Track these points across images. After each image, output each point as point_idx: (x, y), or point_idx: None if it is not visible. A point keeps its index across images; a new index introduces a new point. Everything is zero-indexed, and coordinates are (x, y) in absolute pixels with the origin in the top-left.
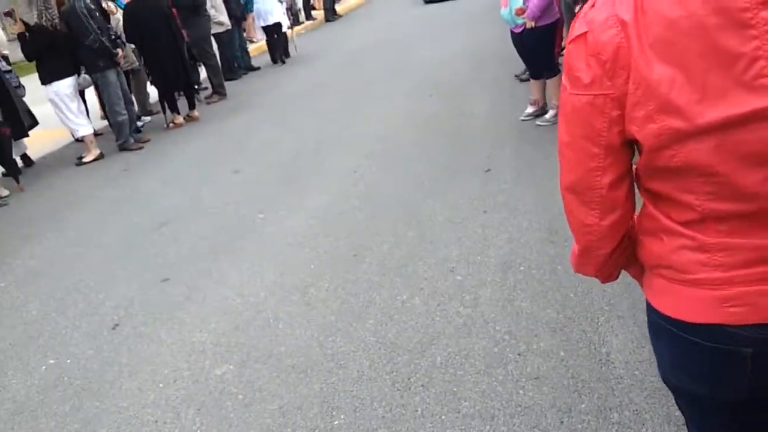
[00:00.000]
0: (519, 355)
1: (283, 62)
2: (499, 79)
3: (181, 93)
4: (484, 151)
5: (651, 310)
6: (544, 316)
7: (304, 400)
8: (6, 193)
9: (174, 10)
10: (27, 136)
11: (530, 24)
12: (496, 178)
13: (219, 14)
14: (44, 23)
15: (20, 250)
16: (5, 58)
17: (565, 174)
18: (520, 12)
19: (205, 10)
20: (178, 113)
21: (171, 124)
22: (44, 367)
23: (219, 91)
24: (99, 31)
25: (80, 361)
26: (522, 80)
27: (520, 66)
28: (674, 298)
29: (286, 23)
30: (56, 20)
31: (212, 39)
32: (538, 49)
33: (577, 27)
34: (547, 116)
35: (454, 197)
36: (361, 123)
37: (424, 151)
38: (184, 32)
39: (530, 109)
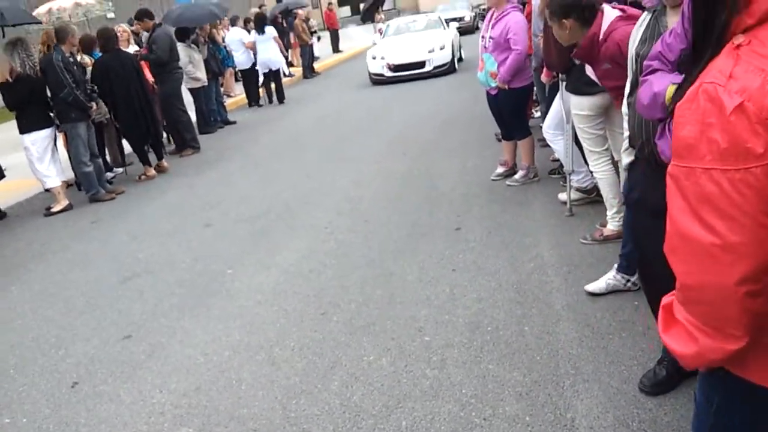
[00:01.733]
0: (484, 419)
1: (281, 102)
2: (470, 140)
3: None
4: (453, 211)
5: (757, 391)
6: (510, 378)
7: None
8: None
9: (145, 64)
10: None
11: (502, 86)
12: (465, 237)
13: (196, 70)
14: (27, 71)
15: None
16: None
17: (735, 267)
18: (494, 75)
19: (177, 67)
20: (150, 165)
21: (143, 176)
22: None
23: (192, 145)
24: (75, 84)
25: (36, 421)
26: (498, 140)
27: (494, 126)
28: None
29: (285, 70)
30: (38, 68)
31: (188, 93)
32: (511, 111)
33: (725, 100)
34: (516, 176)
35: (424, 256)
36: (334, 180)
37: (395, 209)
38: (154, 87)
39: (500, 170)
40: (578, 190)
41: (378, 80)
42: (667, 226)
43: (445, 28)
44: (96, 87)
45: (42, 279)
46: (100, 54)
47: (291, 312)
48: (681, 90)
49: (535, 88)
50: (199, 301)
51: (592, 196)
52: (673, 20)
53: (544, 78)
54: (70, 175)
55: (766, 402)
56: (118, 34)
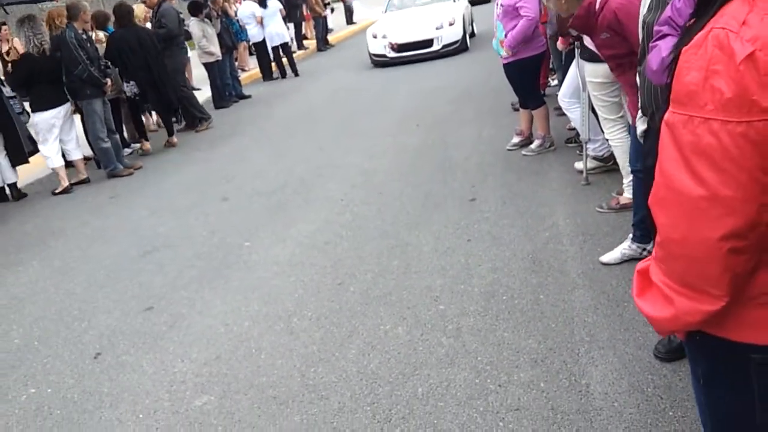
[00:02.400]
0: (500, 386)
1: (296, 75)
2: (484, 110)
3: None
4: (468, 181)
5: (739, 350)
6: (525, 346)
7: None
8: None
9: None
10: (27, 162)
11: (507, 52)
12: (480, 208)
13: (209, 44)
14: (31, 50)
15: (4, 278)
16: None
17: (722, 221)
18: (503, 43)
19: (182, 42)
20: (146, 139)
21: (167, 143)
22: (24, 397)
23: (203, 118)
24: (89, 61)
25: (61, 391)
26: (515, 109)
27: (511, 95)
28: None
29: (291, 44)
30: (45, 46)
31: (203, 67)
32: (522, 80)
33: (736, 48)
34: (532, 146)
35: (439, 227)
36: (349, 153)
37: (410, 181)
38: None
39: (516, 139)
40: (594, 158)
41: (379, 62)
42: (656, 177)
43: (454, 1)
44: (110, 63)
45: (62, 254)
46: (114, 30)
47: (308, 282)
48: (688, 35)
49: (551, 57)
50: (217, 273)
51: (608, 165)
52: None
53: (560, 45)
54: (88, 151)
55: (747, 364)
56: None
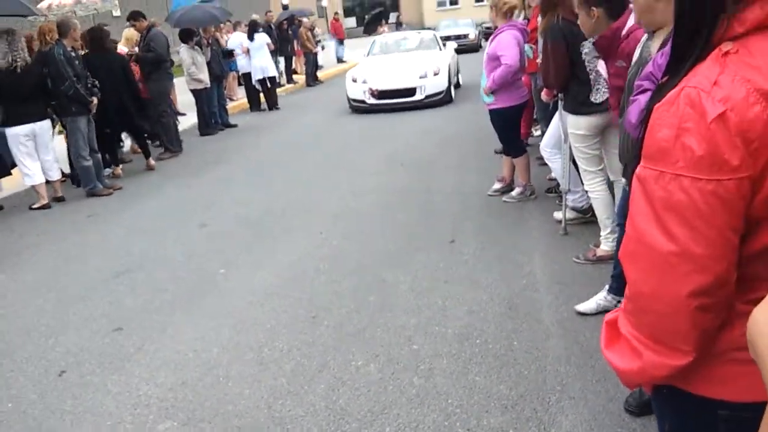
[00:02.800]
0: (468, 430)
1: (278, 108)
2: (469, 155)
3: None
4: (449, 224)
5: (707, 406)
6: (497, 391)
7: None
8: None
9: (136, 66)
10: (9, 174)
11: (487, 93)
12: (459, 250)
13: (199, 72)
14: (1, 66)
15: None
16: None
17: (691, 278)
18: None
19: (168, 67)
20: (116, 164)
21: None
22: None
23: (170, 148)
24: (76, 78)
25: (22, 406)
26: (497, 152)
27: (497, 142)
28: (750, 379)
29: (277, 77)
30: (19, 63)
31: (191, 94)
32: (501, 129)
33: (707, 107)
34: (513, 193)
35: (417, 266)
36: (332, 187)
37: (391, 219)
38: (141, 86)
39: (497, 185)
40: (574, 209)
41: (358, 107)
42: (627, 230)
43: (441, 49)
44: (96, 82)
45: (35, 269)
46: (86, 52)
47: (282, 314)
48: (661, 92)
49: (535, 107)
50: (190, 299)
51: (587, 216)
52: (657, 45)
53: (544, 97)
54: (65, 169)
55: (714, 420)
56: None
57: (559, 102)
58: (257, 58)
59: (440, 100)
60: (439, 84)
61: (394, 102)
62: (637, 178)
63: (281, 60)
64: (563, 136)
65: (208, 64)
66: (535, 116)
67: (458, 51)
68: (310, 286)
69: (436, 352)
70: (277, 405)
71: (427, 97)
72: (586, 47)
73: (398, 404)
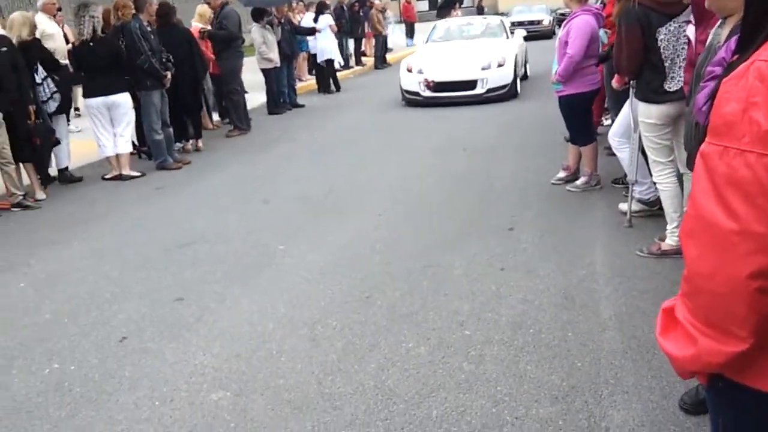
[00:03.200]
0: (516, 418)
1: (338, 90)
2: (532, 142)
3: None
4: (508, 211)
5: (763, 400)
6: (547, 381)
7: None
8: (42, 197)
9: (206, 42)
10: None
11: (554, 79)
12: (517, 238)
13: (269, 51)
14: (86, 35)
15: (44, 254)
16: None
17: (752, 258)
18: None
19: (239, 46)
20: (186, 140)
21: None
22: (48, 371)
23: (239, 126)
24: (151, 52)
25: (83, 369)
26: (567, 140)
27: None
28: None
29: (339, 61)
30: (87, 36)
31: (260, 73)
32: (573, 116)
33: None
34: (578, 183)
35: (473, 252)
36: (393, 170)
37: (450, 203)
38: (212, 64)
39: (562, 174)
40: (640, 201)
41: (412, 100)
42: (688, 209)
43: (508, 37)
44: (171, 56)
45: (102, 237)
46: (155, 27)
47: (336, 292)
48: (730, 67)
49: (606, 95)
50: (249, 273)
51: (653, 209)
52: (727, 31)
53: (615, 84)
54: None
55: None
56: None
57: (631, 90)
58: (320, 39)
59: (504, 95)
60: (503, 76)
61: (452, 95)
62: (700, 155)
63: (351, 42)
64: (633, 125)
65: (279, 43)
66: (606, 105)
67: (530, 38)
68: (365, 266)
69: (488, 338)
70: (327, 381)
71: (489, 91)
72: (676, 22)
73: (446, 388)
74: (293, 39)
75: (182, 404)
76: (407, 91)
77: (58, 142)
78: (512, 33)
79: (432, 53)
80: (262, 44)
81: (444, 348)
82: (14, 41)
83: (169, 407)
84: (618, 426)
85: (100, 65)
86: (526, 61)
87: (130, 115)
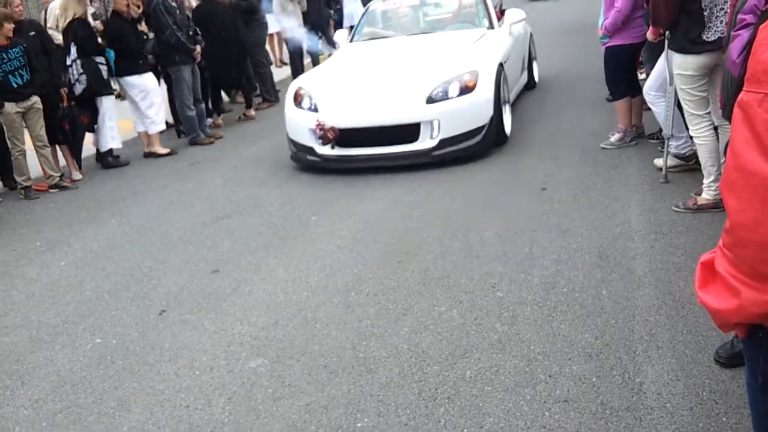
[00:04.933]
0: (550, 376)
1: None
2: (567, 100)
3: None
4: (541, 170)
5: None
6: (581, 339)
7: (330, 400)
8: (79, 177)
9: None
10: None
11: (600, 32)
12: (550, 198)
13: (286, 21)
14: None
15: (83, 233)
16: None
17: None
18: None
19: (263, 17)
20: (218, 114)
21: (212, 124)
22: (90, 345)
23: (267, 98)
24: (176, 27)
25: (125, 343)
26: (609, 100)
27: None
28: None
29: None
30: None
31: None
32: (616, 67)
33: None
34: (612, 139)
35: (506, 213)
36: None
37: (482, 165)
38: None
39: (616, 136)
40: (676, 156)
41: (303, 159)
42: (727, 160)
43: (492, 26)
44: (198, 29)
45: (140, 214)
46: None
47: (369, 259)
48: (766, 14)
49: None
50: (283, 243)
51: (690, 164)
52: None
53: (649, 36)
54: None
55: None
56: None
57: (666, 42)
58: (348, 3)
59: (476, 147)
60: (473, 112)
61: (370, 154)
62: (738, 105)
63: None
64: (668, 78)
65: (305, 14)
66: (641, 58)
67: None
68: (397, 231)
69: (521, 299)
70: (362, 346)
71: (444, 143)
72: None
73: (479, 349)
74: (322, 9)
75: (221, 372)
76: (296, 144)
77: (90, 126)
78: (502, 18)
79: (343, 67)
80: (280, 13)
81: (476, 310)
82: (63, 20)
83: (208, 376)
84: (652, 381)
85: (120, 46)
86: (530, 60)
87: (150, 97)
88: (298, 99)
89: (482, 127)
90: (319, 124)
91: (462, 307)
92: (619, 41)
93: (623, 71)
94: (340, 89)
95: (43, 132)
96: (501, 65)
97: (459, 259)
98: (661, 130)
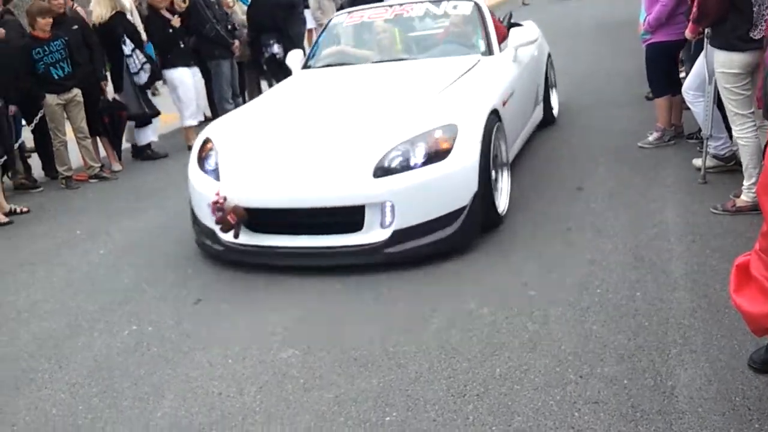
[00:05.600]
0: (581, 377)
1: None
2: (608, 99)
3: None
4: (578, 169)
5: None
6: (613, 341)
7: (360, 392)
8: (118, 168)
9: None
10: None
11: (642, 28)
12: (586, 197)
13: (323, 17)
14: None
15: (122, 222)
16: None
17: None
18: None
19: (302, 12)
20: None
21: None
22: (127, 332)
23: None
24: (215, 21)
25: (160, 330)
26: (648, 98)
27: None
28: None
29: None
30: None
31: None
32: (657, 64)
33: None
34: (650, 138)
35: (540, 212)
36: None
37: (518, 161)
38: None
39: (654, 135)
40: (715, 156)
41: (204, 246)
42: (766, 162)
43: (492, 51)
44: (236, 24)
45: (177, 205)
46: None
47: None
48: None
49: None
50: None
51: (729, 165)
52: None
53: (688, 33)
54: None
55: None
56: None
57: (705, 39)
58: None
59: (444, 242)
60: (444, 190)
61: (293, 247)
62: None
63: None
64: (707, 77)
65: (340, 8)
66: (681, 56)
67: None
68: None
69: (553, 299)
70: (391, 340)
71: (398, 237)
72: None
73: (510, 347)
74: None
75: (253, 362)
76: (198, 223)
77: (132, 119)
78: (506, 38)
79: (266, 113)
80: (317, 10)
81: (507, 308)
82: (102, 16)
83: (241, 365)
84: (684, 385)
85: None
86: (548, 89)
87: (181, 90)
88: (203, 155)
89: (460, 210)
90: (216, 202)
91: (492, 305)
92: (660, 38)
93: (664, 69)
94: (253, 148)
95: (84, 124)
96: (495, 113)
97: (490, 256)
98: (700, 130)
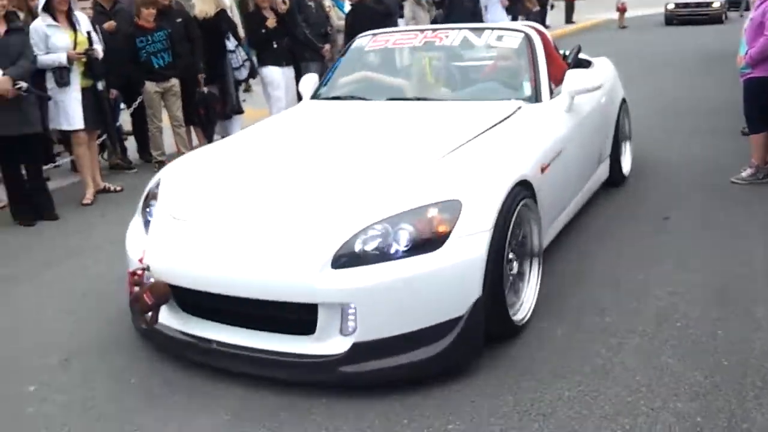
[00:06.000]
0: (652, 410)
1: None
2: (701, 129)
3: None
4: (666, 198)
5: None
6: (689, 377)
7: (425, 398)
8: None
9: None
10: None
11: (743, 65)
12: (672, 228)
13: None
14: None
15: None
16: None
17: None
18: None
19: (395, 21)
20: None
21: None
22: None
23: None
24: (305, 24)
25: None
26: (744, 134)
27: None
28: None
29: None
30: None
31: None
32: (756, 99)
33: None
34: (743, 174)
35: (623, 239)
36: None
37: (604, 188)
38: None
39: (747, 172)
40: None
41: (134, 324)
42: None
43: (536, 97)
44: (329, 29)
45: None
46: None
47: None
48: None
49: None
50: None
51: None
52: None
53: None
54: None
55: None
56: None
57: None
58: (490, 12)
59: (429, 362)
60: (432, 291)
61: (227, 344)
62: None
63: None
64: None
65: (434, 21)
66: None
67: (693, 21)
68: None
69: (630, 328)
70: None
71: (360, 351)
72: None
73: (581, 372)
74: (462, 14)
75: None
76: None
77: (224, 113)
78: (574, 69)
79: (229, 159)
80: (411, 20)
81: (582, 332)
82: (207, 12)
83: None
84: (760, 429)
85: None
86: (618, 143)
87: (270, 87)
88: (149, 200)
89: (452, 322)
90: (135, 273)
91: (567, 328)
92: (760, 73)
93: (762, 104)
94: (193, 206)
95: (179, 113)
96: (523, 184)
97: (567, 279)
98: None
